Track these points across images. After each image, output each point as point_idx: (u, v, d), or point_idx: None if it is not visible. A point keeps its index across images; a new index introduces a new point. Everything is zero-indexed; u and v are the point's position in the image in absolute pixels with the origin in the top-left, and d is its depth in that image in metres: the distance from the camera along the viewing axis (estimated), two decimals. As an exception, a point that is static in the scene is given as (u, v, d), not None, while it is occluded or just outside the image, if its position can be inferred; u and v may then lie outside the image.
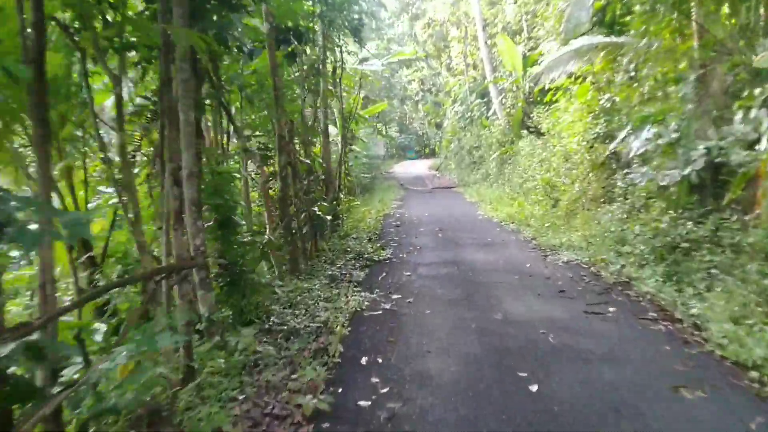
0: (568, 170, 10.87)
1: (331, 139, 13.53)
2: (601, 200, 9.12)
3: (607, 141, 9.38)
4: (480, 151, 23.68)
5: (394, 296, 6.73)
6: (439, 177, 27.91)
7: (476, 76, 27.83)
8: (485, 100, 25.05)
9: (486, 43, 21.86)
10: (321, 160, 10.69)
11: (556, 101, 14.77)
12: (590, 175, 9.51)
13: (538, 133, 15.54)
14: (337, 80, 12.13)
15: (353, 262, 8.52)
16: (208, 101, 5.93)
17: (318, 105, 9.66)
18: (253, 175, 8.10)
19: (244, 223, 6.58)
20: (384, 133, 40.15)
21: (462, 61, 30.11)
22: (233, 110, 6.98)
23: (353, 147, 17.34)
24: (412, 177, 28.84)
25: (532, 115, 17.98)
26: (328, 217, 9.36)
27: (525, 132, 16.83)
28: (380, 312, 6.15)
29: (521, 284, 7.04)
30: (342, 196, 12.95)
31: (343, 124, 12.92)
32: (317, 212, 7.53)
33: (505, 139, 20.65)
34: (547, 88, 15.50)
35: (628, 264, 6.94)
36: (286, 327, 5.52)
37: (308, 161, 8.94)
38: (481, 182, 22.04)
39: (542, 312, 5.86)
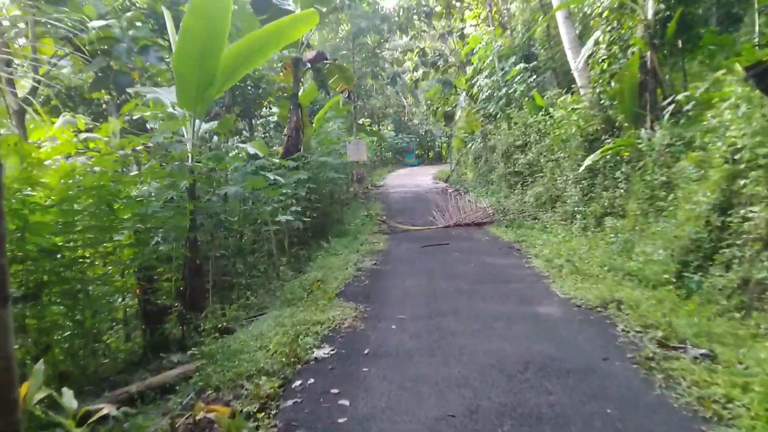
0: None
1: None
2: None
3: None
4: (529, 153, 13.07)
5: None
6: (453, 192, 17.22)
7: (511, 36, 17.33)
8: (532, 64, 14.49)
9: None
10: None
11: None
12: None
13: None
14: None
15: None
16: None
17: None
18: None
19: None
20: (375, 129, 29.61)
21: (486, 16, 19.75)
22: None
23: (252, 152, 6.75)
24: (411, 196, 18.23)
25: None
26: None
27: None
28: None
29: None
30: None
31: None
32: None
33: (590, 126, 10.08)
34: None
35: None
36: None
37: None
38: (540, 213, 11.42)
39: None
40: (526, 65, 14.15)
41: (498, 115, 15.25)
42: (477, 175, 18.96)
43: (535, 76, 13.77)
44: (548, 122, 11.89)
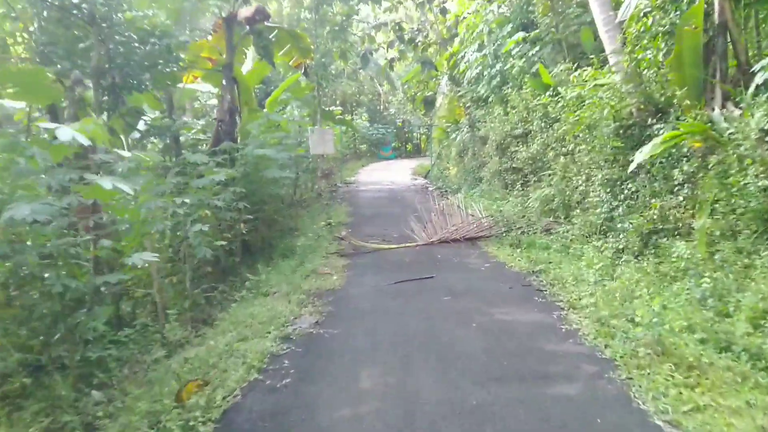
0: None
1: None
2: None
3: None
4: (533, 144, 10.32)
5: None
6: (434, 192, 14.45)
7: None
8: (533, 34, 11.68)
9: None
10: None
11: None
12: None
13: None
14: None
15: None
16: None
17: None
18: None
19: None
20: (348, 119, 26.57)
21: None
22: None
23: (65, 138, 3.69)
24: (385, 196, 15.40)
25: None
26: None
27: None
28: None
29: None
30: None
31: None
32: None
33: (624, 107, 7.30)
34: None
35: None
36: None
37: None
38: (553, 224, 8.68)
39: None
40: (526, 34, 11.35)
41: (490, 98, 12.46)
42: (462, 171, 16.21)
43: (538, 48, 10.98)
44: (558, 104, 9.14)
